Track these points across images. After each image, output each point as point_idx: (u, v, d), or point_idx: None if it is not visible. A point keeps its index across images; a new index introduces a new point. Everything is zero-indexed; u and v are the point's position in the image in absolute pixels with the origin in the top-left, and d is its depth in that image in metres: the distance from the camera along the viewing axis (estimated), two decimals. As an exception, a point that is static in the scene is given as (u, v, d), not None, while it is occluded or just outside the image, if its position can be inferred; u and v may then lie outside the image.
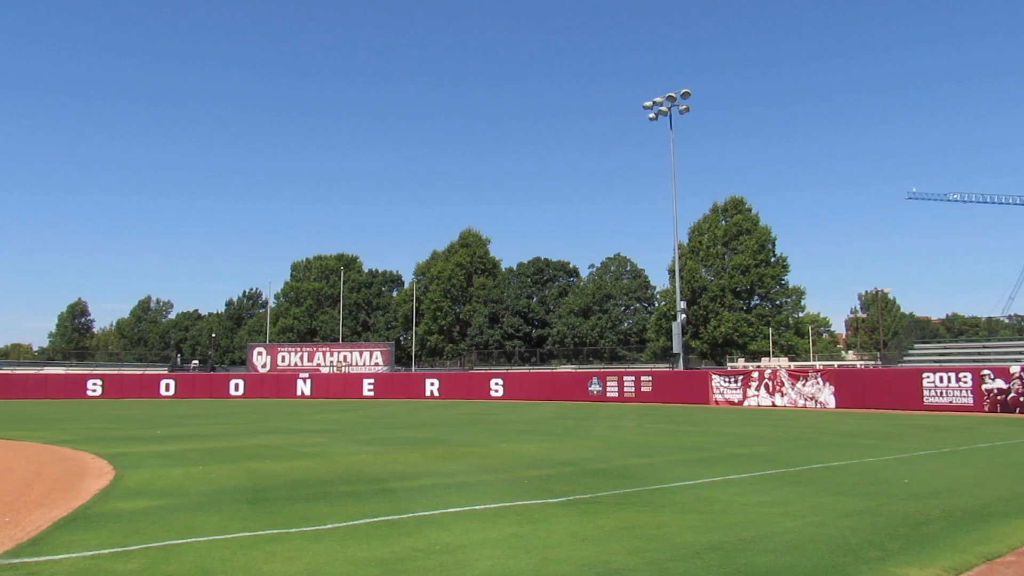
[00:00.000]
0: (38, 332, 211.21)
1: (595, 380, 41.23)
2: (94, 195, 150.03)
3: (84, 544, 6.47)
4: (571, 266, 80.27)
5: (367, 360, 59.17)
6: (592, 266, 79.24)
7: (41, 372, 54.81)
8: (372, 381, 48.59)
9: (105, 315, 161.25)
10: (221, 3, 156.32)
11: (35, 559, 5.96)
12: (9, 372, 54.32)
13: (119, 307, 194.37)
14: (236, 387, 49.07)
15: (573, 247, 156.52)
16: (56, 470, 11.53)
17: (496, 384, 44.76)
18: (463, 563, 5.92)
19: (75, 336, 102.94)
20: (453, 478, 10.78)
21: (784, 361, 44.59)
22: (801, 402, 33.33)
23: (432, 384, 46.71)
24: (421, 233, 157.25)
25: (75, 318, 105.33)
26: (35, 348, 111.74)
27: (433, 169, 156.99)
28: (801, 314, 63.20)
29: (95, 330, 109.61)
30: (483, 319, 74.43)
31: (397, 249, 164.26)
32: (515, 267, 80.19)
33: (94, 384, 48.05)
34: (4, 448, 14.92)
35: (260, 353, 60.21)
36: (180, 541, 6.57)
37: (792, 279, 68.89)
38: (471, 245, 79.46)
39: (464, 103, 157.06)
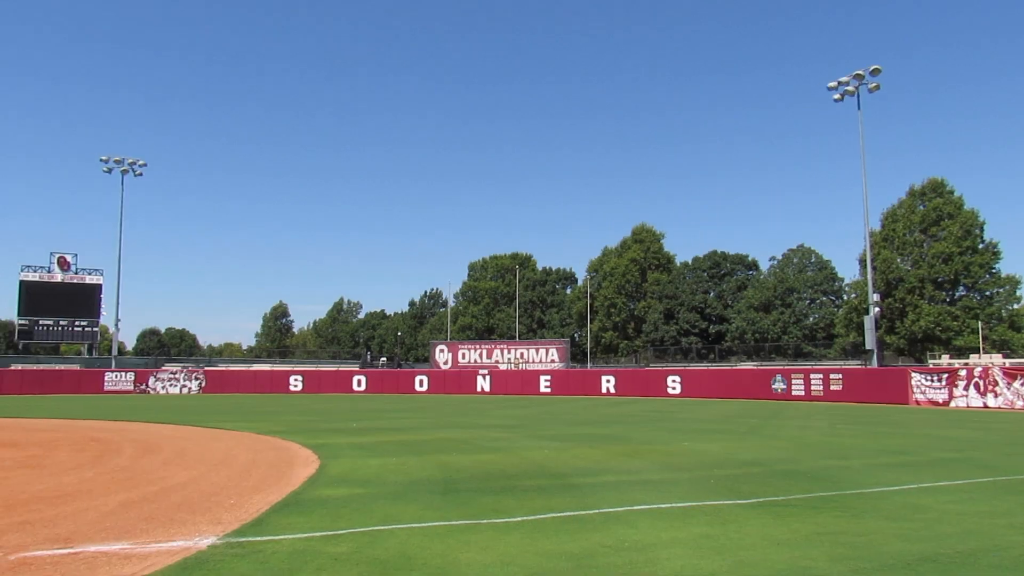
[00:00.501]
0: (247, 332, 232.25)
1: (779, 378, 39.42)
2: (292, 206, 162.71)
3: (298, 527, 7.03)
4: (750, 259, 77.26)
5: (543, 357, 60.06)
6: (773, 259, 75.78)
7: (250, 369, 60.22)
8: (549, 378, 49.23)
9: (303, 316, 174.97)
10: (406, 10, 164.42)
11: (258, 538, 6.55)
12: (224, 368, 60.21)
13: (315, 308, 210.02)
14: (421, 383, 51.41)
15: (752, 239, 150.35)
16: (269, 458, 12.62)
17: (673, 381, 43.92)
18: (653, 561, 5.86)
19: (277, 336, 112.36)
20: (636, 475, 10.70)
21: (997, 358, 40.39)
22: (1020, 403, 30.09)
23: (608, 381, 46.60)
24: (593, 230, 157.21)
25: (277, 319, 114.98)
26: (244, 347, 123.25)
27: (605, 166, 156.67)
28: (1016, 306, 57.01)
29: (295, 330, 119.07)
30: (658, 315, 73.31)
31: (570, 247, 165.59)
32: (690, 261, 78.33)
33: (295, 380, 52.09)
34: (224, 438, 16.51)
35: (442, 350, 62.78)
36: (382, 528, 6.97)
37: (1005, 267, 62.35)
38: (644, 240, 78.48)
39: (633, 98, 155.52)
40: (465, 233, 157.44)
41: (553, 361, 59.39)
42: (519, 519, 7.39)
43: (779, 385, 39.02)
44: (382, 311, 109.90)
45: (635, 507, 8.06)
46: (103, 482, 9.82)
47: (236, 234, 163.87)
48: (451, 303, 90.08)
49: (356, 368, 59.75)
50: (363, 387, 51.47)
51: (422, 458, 12.57)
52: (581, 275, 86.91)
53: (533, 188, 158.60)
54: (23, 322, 61.25)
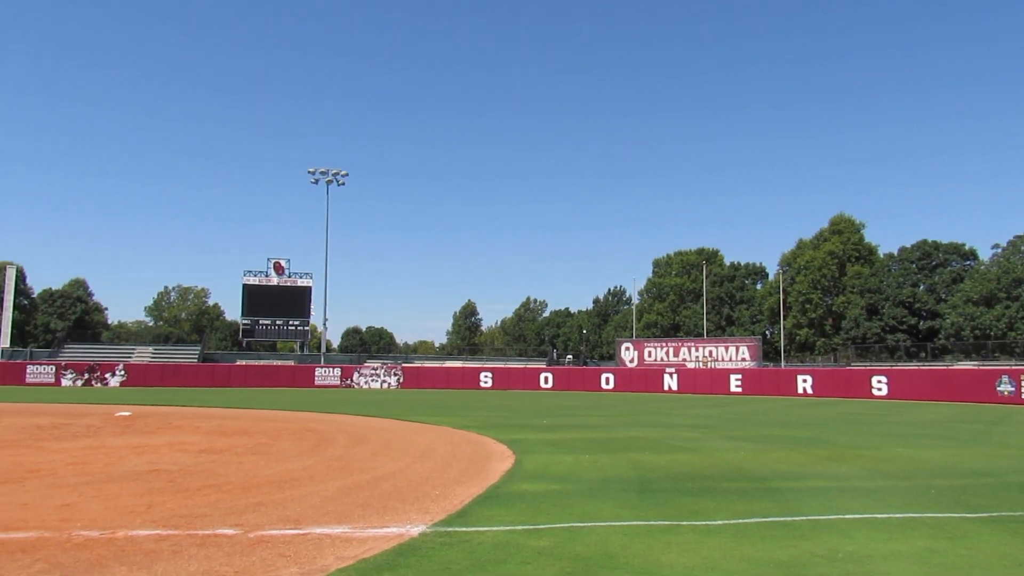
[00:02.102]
0: (439, 330, 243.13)
1: (1005, 379, 35.55)
2: (480, 207, 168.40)
3: (500, 519, 7.25)
4: (966, 248, 70.15)
5: (733, 355, 58.04)
6: (996, 247, 68.40)
7: (443, 365, 62.96)
8: (739, 377, 47.50)
9: (491, 315, 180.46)
10: (598, 9, 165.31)
11: (464, 529, 6.82)
12: (420, 365, 63.39)
13: (502, 307, 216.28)
14: (607, 381, 51.41)
15: (967, 226, 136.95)
16: (467, 452, 13.12)
17: (878, 382, 40.87)
18: (871, 575, 5.48)
19: (467, 333, 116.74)
20: (845, 482, 10.05)
21: None
22: None
23: (804, 381, 44.21)
24: (786, 222, 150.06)
25: (467, 317, 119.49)
26: (437, 344, 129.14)
27: (798, 155, 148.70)
28: None
29: (483, 328, 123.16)
30: (859, 311, 68.47)
31: (759, 240, 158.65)
32: (896, 252, 72.48)
33: (485, 376, 53.86)
34: (424, 431, 17.37)
35: (627, 348, 62.38)
36: (580, 524, 7.03)
37: None
38: (843, 231, 73.65)
39: (827, 80, 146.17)
40: (649, 229, 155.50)
41: (744, 360, 57.23)
42: (720, 522, 7.18)
43: (1006, 387, 35.20)
44: (566, 309, 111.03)
45: (846, 515, 7.58)
46: (322, 469, 10.65)
47: (429, 236, 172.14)
48: (635, 300, 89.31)
49: (543, 365, 60.76)
50: (550, 384, 52.25)
51: (614, 456, 12.55)
52: (772, 269, 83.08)
53: (720, 181, 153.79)
54: (246, 322, 67.88)
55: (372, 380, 53.75)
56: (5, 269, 66.81)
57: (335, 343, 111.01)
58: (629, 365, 59.92)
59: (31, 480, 9.34)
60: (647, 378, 51.02)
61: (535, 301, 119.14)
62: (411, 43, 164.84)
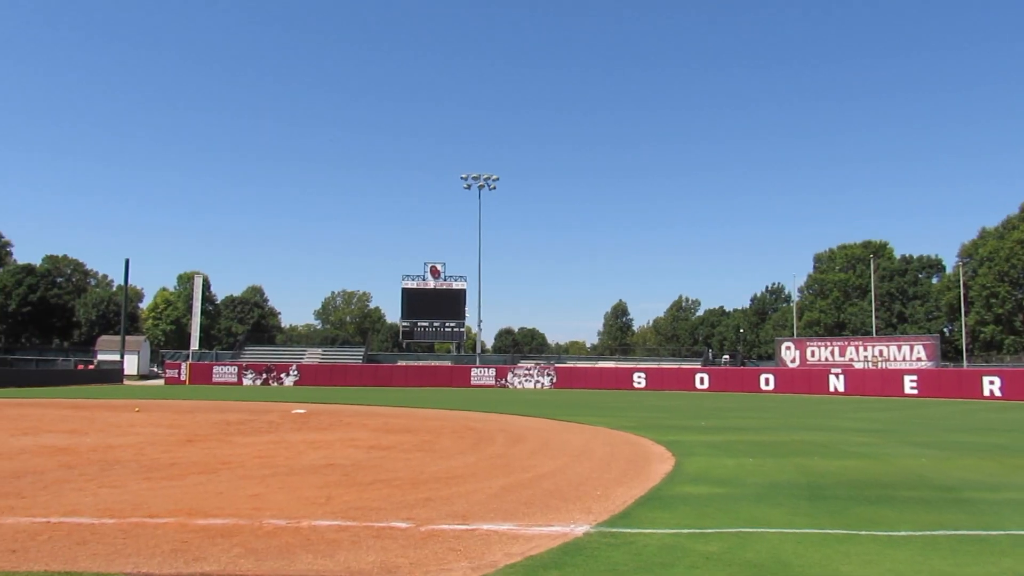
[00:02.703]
0: (589, 331, 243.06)
1: None
2: (631, 204, 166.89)
3: (664, 522, 7.13)
4: None
5: (907, 355, 54.14)
6: None
7: (595, 366, 62.87)
8: (914, 378, 44.27)
9: (642, 314, 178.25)
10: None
11: (628, 530, 6.77)
12: (572, 365, 63.62)
13: (653, 306, 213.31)
14: (766, 382, 49.44)
15: None
16: (625, 453, 13.02)
17: (1081, 384, 36.83)
18: (1089, 599, 4.94)
19: (618, 334, 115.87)
20: (1047, 494, 9.12)
21: None
22: None
23: (991, 382, 40.57)
24: (964, 211, 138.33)
25: (617, 317, 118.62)
26: (588, 345, 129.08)
27: (980, 137, 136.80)
28: None
29: (634, 328, 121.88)
30: (1054, 305, 62.01)
31: (933, 230, 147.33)
32: (1098, 240, 65.04)
33: (639, 377, 53.26)
34: (581, 431, 17.41)
35: (788, 348, 59.70)
36: (749, 530, 6.79)
37: None
38: (1034, 218, 67.03)
39: (1014, 57, 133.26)
40: (809, 223, 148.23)
41: (919, 359, 53.24)
42: (904, 533, 6.71)
43: None
44: (721, 308, 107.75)
45: (1053, 531, 6.87)
46: (484, 467, 10.92)
47: (579, 236, 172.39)
48: (796, 297, 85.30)
49: (698, 366, 59.30)
50: (706, 385, 50.92)
51: (780, 460, 12.04)
52: (950, 262, 76.86)
53: (886, 169, 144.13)
54: (405, 324, 70.74)
55: (526, 380, 54.49)
56: (193, 278, 73.26)
57: (489, 344, 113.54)
58: (790, 365, 57.30)
59: (224, 471, 10.18)
60: (810, 379, 48.60)
61: (688, 300, 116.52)
62: (559, 44, 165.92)
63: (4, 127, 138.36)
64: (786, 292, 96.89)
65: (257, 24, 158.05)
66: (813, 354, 58.00)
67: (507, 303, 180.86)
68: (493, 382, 54.57)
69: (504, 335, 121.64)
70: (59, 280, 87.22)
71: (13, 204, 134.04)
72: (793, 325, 77.04)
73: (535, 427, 18.40)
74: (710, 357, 70.74)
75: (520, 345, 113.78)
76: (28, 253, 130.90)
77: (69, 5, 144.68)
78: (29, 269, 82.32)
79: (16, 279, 79.56)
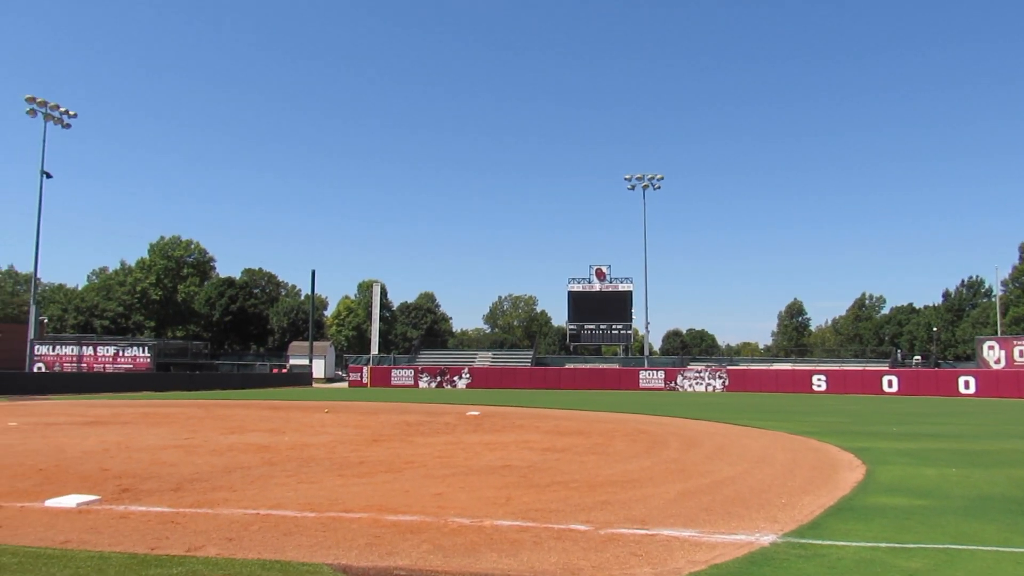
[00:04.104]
0: (762, 331, 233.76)
1: None
2: (801, 200, 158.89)
3: (859, 534, 6.69)
4: None
5: None
6: None
7: (771, 368, 60.26)
8: None
9: (820, 313, 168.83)
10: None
11: (818, 542, 6.41)
12: (745, 368, 61.36)
13: (832, 305, 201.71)
14: (966, 384, 45.34)
15: None
16: (809, 459, 12.37)
17: None
18: None
19: (793, 334, 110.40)
20: None
21: None
22: None
23: None
24: None
25: (792, 317, 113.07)
26: (761, 346, 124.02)
27: None
28: None
29: (812, 328, 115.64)
30: None
31: None
32: None
33: (818, 379, 50.48)
34: (758, 436, 16.74)
35: (992, 347, 54.43)
36: (958, 547, 6.23)
37: None
38: None
39: None
40: (1011, 210, 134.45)
41: None
42: None
43: None
44: (910, 305, 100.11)
45: None
46: (659, 471, 10.75)
47: (749, 234, 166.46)
48: (998, 292, 77.56)
49: (885, 367, 55.41)
50: (894, 388, 47.48)
51: (989, 471, 10.97)
52: None
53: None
54: (572, 327, 71.17)
55: (696, 383, 53.18)
56: (372, 286, 77.53)
57: (656, 346, 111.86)
58: (994, 367, 52.19)
59: (408, 470, 10.67)
60: (1020, 382, 44.00)
61: (871, 297, 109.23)
62: (720, 39, 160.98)
63: (209, 152, 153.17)
64: (986, 286, 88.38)
65: (420, 31, 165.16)
66: (1022, 354, 52.48)
67: (675, 304, 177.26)
68: (662, 385, 53.69)
69: (672, 337, 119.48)
70: (255, 291, 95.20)
71: (215, 222, 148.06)
72: (996, 322, 70.09)
73: (709, 431, 17.90)
74: (899, 358, 65.88)
75: (689, 347, 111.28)
76: (229, 267, 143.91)
77: (259, 25, 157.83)
78: (230, 282, 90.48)
79: (219, 291, 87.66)
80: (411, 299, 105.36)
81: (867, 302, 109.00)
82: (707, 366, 57.97)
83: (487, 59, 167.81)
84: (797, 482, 9.86)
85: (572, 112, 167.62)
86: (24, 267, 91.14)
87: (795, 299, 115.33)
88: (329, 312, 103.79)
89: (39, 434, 15.61)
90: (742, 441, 15.41)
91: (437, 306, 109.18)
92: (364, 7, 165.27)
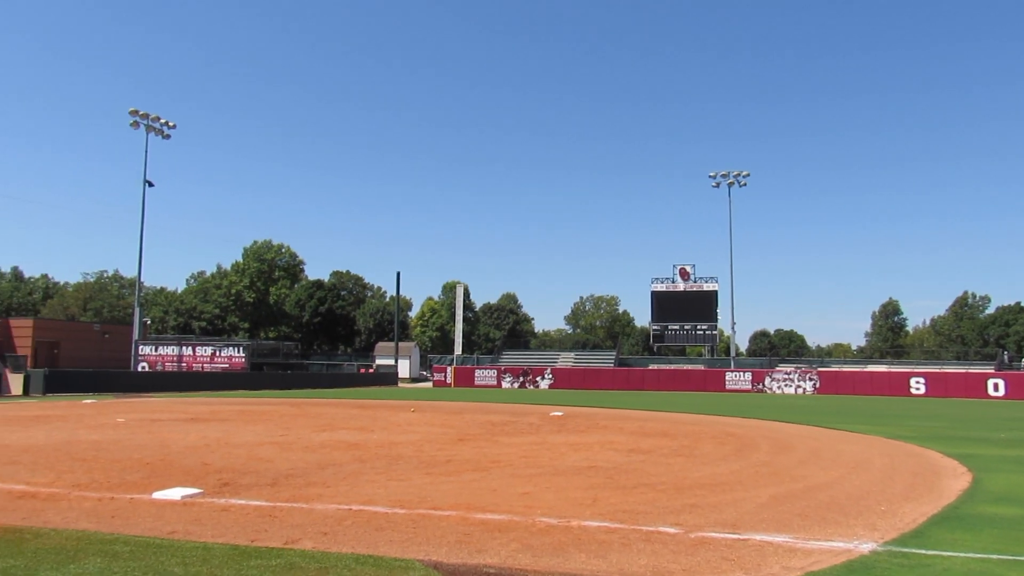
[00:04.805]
0: (854, 332, 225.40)
1: None
2: (894, 197, 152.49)
3: (966, 545, 6.37)
4: None
5: None
6: None
7: (864, 370, 58.04)
8: None
9: (917, 313, 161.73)
10: None
11: (922, 551, 6.13)
12: (837, 369, 59.29)
13: (931, 304, 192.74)
14: (1080, 388, 42.57)
15: None
16: (909, 465, 11.85)
17: None
18: None
19: (889, 335, 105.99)
20: None
21: None
22: None
23: None
24: None
25: (887, 317, 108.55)
26: (854, 347, 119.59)
27: None
28: None
29: (908, 328, 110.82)
30: None
31: None
32: None
33: (916, 382, 48.30)
34: (854, 440, 16.14)
35: (1107, 349, 50.95)
36: (1077, 560, 5.86)
37: None
38: None
39: None
40: None
41: None
42: None
43: None
44: (1017, 304, 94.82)
45: None
46: (749, 475, 10.50)
47: (840, 232, 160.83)
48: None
49: (990, 370, 52.62)
50: (1000, 392, 45.00)
51: (1110, 481, 10.27)
52: None
53: None
54: (656, 327, 70.32)
55: (785, 385, 51.72)
56: (456, 287, 78.45)
57: (742, 347, 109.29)
58: (1112, 369, 48.85)
59: (495, 469, 10.75)
60: None
61: (975, 296, 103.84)
62: (806, 31, 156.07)
63: (299, 158, 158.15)
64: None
65: (509, 35, 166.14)
66: None
67: (762, 304, 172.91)
68: (749, 386, 52.43)
69: (759, 337, 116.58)
70: (343, 293, 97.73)
71: (305, 226, 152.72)
72: (1114, 322, 65.63)
73: (801, 434, 17.37)
74: (1005, 360, 62.37)
75: (777, 348, 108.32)
76: (317, 270, 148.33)
77: (347, 32, 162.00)
78: (319, 284, 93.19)
79: (308, 293, 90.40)
80: (493, 300, 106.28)
81: (970, 301, 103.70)
82: (797, 367, 56.27)
83: (568, 60, 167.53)
84: (897, 489, 9.47)
85: (655, 109, 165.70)
86: (129, 271, 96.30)
87: (890, 298, 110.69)
88: (413, 313, 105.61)
89: (145, 430, 16.43)
90: (836, 445, 14.90)
91: (519, 307, 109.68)
92: (467, 15, 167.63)
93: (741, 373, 54.38)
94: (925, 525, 7.21)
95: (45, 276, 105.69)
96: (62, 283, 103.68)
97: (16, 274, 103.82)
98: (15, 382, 33.77)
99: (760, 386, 52.27)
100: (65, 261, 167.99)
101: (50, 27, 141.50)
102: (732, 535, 6.64)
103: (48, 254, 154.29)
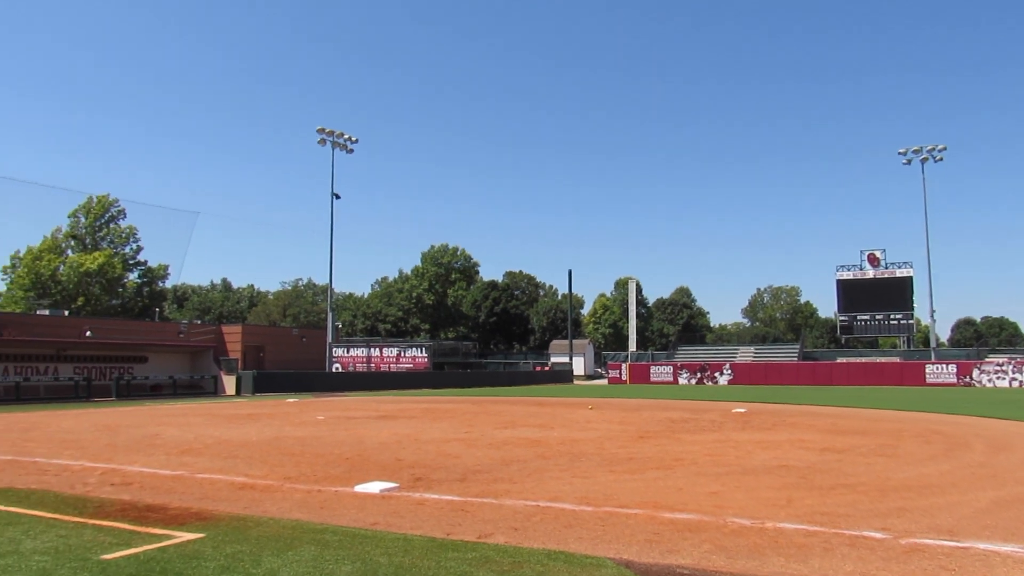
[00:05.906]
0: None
1: None
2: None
3: None
4: None
5: None
6: None
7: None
8: None
9: None
10: None
11: None
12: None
13: None
14: None
15: None
16: None
17: None
18: None
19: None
20: None
21: None
22: None
23: None
24: None
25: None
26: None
27: None
28: None
29: None
30: None
31: None
32: None
33: None
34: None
35: None
36: None
37: None
38: None
39: None
40: None
41: None
42: None
43: None
44: None
45: None
46: (963, 476, 9.61)
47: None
48: None
49: None
50: None
51: None
52: None
53: None
54: (843, 318, 66.17)
55: (998, 378, 47.03)
56: (628, 283, 77.86)
57: (943, 337, 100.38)
58: None
59: (679, 467, 10.53)
60: None
61: None
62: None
63: (472, 162, 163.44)
64: None
65: (676, 27, 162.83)
66: None
67: (965, 290, 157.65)
68: (954, 380, 48.12)
69: (964, 326, 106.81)
70: (516, 292, 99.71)
71: (478, 228, 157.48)
72: None
73: (1021, 432, 15.69)
74: None
75: (984, 337, 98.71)
76: (491, 270, 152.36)
77: (509, 32, 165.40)
78: (493, 284, 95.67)
79: (484, 294, 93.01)
80: (666, 295, 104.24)
81: None
82: (1011, 358, 50.83)
83: (739, 45, 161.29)
84: None
85: (836, 87, 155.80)
86: (321, 279, 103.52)
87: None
88: (585, 311, 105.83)
89: (342, 427, 17.59)
90: (1067, 444, 13.33)
91: (693, 300, 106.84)
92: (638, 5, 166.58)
93: (944, 365, 50.00)
94: None
95: (251, 286, 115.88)
96: (264, 291, 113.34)
97: (226, 284, 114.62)
98: (229, 383, 37.43)
99: (967, 379, 47.83)
100: (267, 271, 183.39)
101: (246, 52, 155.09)
102: (950, 542, 6.10)
103: (252, 265, 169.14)
